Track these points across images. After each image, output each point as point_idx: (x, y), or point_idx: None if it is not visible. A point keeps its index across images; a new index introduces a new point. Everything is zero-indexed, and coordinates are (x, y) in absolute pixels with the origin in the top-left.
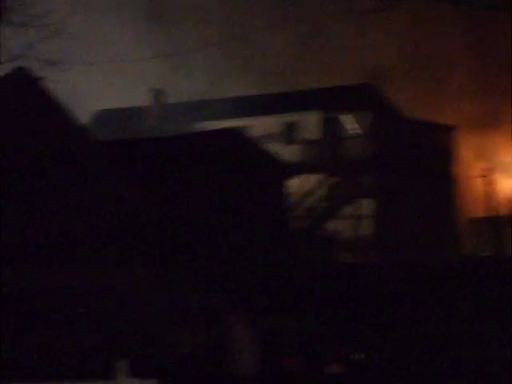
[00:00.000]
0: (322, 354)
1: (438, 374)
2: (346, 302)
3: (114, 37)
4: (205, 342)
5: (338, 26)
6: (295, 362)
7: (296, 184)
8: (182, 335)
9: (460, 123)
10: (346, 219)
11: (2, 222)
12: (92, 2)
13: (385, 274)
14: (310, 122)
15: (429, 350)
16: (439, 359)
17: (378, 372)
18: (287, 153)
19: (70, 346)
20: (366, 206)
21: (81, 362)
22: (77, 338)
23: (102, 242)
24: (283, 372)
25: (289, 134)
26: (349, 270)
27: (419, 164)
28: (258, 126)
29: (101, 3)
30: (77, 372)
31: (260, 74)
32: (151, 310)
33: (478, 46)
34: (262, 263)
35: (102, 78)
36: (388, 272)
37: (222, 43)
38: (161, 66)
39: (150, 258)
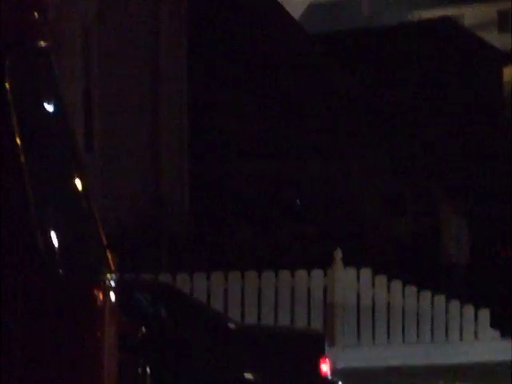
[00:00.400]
0: None
1: None
2: None
3: None
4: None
5: None
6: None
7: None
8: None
9: None
10: None
11: None
12: None
13: None
14: None
15: None
16: None
17: None
18: (502, 41)
19: (290, 236)
20: None
21: (300, 251)
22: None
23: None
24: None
25: (503, 22)
26: None
27: None
28: (473, 14)
29: None
30: (296, 261)
31: None
32: (364, 199)
33: None
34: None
35: None
36: None
37: None
38: None
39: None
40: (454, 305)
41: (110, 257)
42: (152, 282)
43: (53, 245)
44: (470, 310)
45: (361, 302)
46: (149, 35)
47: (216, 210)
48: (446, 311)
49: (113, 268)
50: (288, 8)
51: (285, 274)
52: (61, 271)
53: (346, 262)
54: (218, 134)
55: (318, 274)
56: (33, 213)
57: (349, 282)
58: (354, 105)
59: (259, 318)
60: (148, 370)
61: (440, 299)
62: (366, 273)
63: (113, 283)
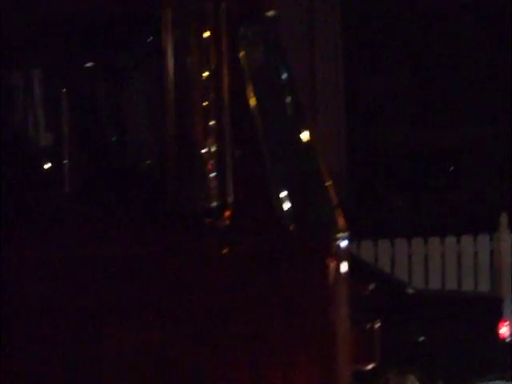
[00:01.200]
0: None
1: None
2: None
3: None
4: None
5: None
6: None
7: None
8: None
9: None
10: None
11: None
12: None
13: None
14: None
15: None
16: None
17: None
18: None
19: (451, 202)
20: None
21: (462, 217)
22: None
23: None
24: None
25: None
26: None
27: None
28: None
29: None
30: (459, 227)
31: None
32: None
33: None
34: None
35: None
36: None
37: None
38: None
39: None
40: None
41: (340, 215)
42: None
43: (287, 203)
44: None
45: None
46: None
47: (374, 178)
48: None
49: (344, 227)
50: None
51: (450, 240)
52: (294, 229)
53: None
54: (373, 101)
55: (484, 238)
56: (268, 170)
57: None
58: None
59: (426, 284)
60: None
61: None
62: None
63: (344, 243)
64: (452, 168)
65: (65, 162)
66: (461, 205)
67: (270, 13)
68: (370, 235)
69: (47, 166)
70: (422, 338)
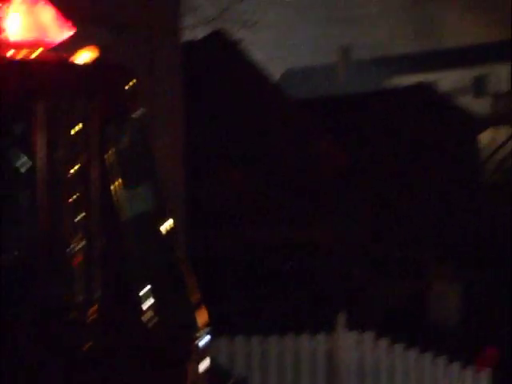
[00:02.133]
0: None
1: None
2: None
3: None
4: (412, 294)
5: None
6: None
7: (488, 137)
8: (391, 288)
9: None
10: None
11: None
12: None
13: None
14: (501, 74)
15: None
16: None
17: None
18: (478, 106)
19: (289, 301)
20: None
21: (300, 316)
22: (295, 293)
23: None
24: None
25: (479, 88)
26: None
27: None
28: (448, 80)
29: None
30: (297, 326)
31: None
32: (359, 263)
33: None
34: (460, 217)
35: (292, 37)
36: None
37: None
38: (344, 24)
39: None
40: (455, 366)
41: (201, 314)
42: None
43: (148, 301)
44: (469, 372)
45: (364, 366)
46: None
47: (214, 273)
48: (446, 373)
49: (204, 326)
50: (266, 72)
51: (289, 338)
52: (154, 327)
53: (349, 326)
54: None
55: (321, 337)
56: (131, 267)
57: (351, 346)
58: (330, 170)
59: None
60: None
61: (439, 361)
62: (368, 336)
63: (204, 342)
64: (290, 266)
65: None
66: (300, 304)
67: (137, 112)
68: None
69: None
70: None
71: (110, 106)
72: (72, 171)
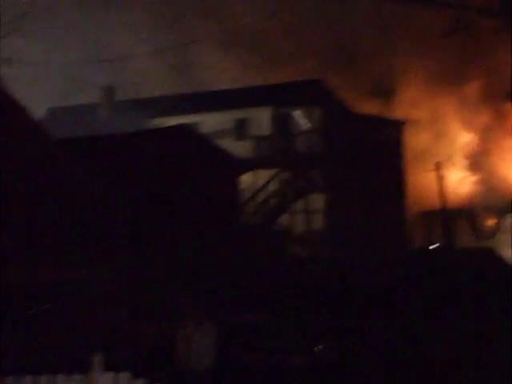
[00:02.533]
0: (283, 348)
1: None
2: (302, 295)
3: (69, 37)
4: (167, 336)
5: None
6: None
7: (248, 180)
8: (147, 330)
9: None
10: (297, 214)
11: None
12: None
13: (335, 267)
14: (262, 118)
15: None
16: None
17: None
18: (239, 149)
19: (45, 342)
20: (317, 200)
21: (57, 356)
22: (52, 334)
23: (71, 241)
24: (244, 367)
25: (240, 130)
26: (301, 264)
27: (369, 159)
28: (210, 122)
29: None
30: (53, 366)
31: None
32: (118, 305)
33: None
34: (217, 259)
35: (56, 76)
36: (338, 265)
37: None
38: (110, 65)
39: (116, 254)
40: None
41: None
42: None
43: None
44: None
45: None
46: None
47: None
48: None
49: None
50: (27, 112)
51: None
52: None
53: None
54: None
55: (77, 378)
56: None
57: None
58: (96, 209)
59: None
60: None
61: None
62: (124, 376)
63: None
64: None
65: None
66: (56, 344)
67: None
68: None
69: None
70: None
71: None
72: None
